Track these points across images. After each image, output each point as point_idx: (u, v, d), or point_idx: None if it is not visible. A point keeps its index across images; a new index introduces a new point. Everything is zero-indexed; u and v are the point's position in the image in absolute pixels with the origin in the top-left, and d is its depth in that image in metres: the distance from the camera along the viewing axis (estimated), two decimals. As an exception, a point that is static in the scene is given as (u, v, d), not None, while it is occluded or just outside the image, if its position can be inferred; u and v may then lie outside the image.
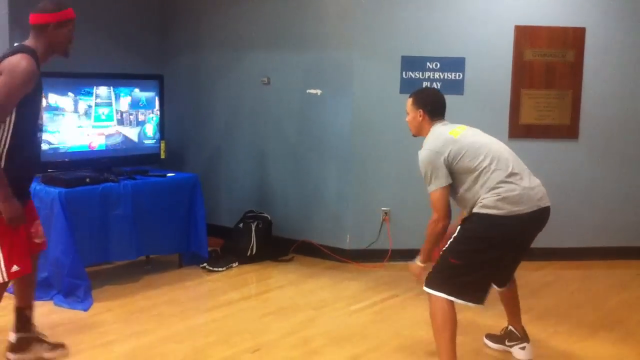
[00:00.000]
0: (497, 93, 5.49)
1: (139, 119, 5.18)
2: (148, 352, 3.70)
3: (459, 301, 3.22)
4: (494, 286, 3.54)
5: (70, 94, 4.71)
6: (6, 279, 3.15)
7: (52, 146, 4.61)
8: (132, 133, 5.15)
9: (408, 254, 5.05)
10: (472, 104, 5.44)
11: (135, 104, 5.14)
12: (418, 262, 3.46)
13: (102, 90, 4.91)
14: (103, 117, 4.92)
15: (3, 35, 4.90)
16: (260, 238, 5.52)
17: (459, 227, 3.35)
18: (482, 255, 3.23)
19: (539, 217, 3.33)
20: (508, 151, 3.41)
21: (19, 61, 2.97)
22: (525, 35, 5.45)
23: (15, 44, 3.11)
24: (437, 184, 3.28)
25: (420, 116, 3.47)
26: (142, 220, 4.83)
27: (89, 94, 4.84)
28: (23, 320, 3.47)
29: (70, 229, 4.34)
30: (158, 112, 5.29)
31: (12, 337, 3.45)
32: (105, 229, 4.64)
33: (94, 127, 4.88)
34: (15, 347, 3.44)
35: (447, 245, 3.33)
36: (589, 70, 5.55)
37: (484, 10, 5.44)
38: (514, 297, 3.70)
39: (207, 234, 5.30)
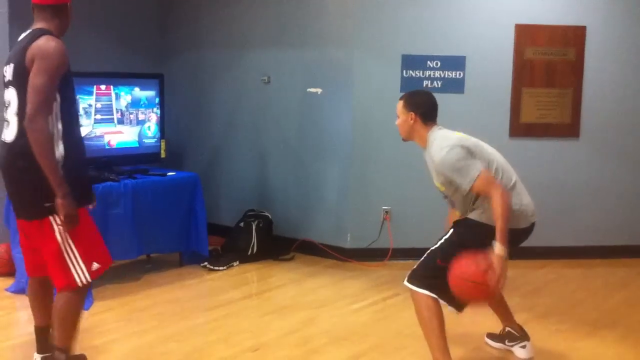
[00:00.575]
0: (498, 92, 5.49)
1: (139, 118, 5.18)
2: (148, 351, 3.70)
3: (441, 300, 3.20)
4: None
5: (70, 93, 4.70)
6: (89, 279, 3.00)
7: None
8: (133, 132, 5.14)
9: (409, 253, 5.08)
10: (473, 103, 5.43)
11: (135, 103, 5.14)
12: (498, 250, 3.03)
13: (102, 89, 4.91)
14: (103, 116, 4.92)
15: (3, 32, 4.90)
16: (261, 237, 5.52)
17: (451, 229, 3.31)
18: None
19: (527, 233, 3.34)
20: (507, 163, 3.37)
21: (48, 42, 2.82)
22: (526, 34, 5.44)
23: (29, 30, 2.92)
24: (478, 167, 3.13)
25: (411, 119, 3.34)
26: (142, 220, 4.83)
27: (89, 93, 4.84)
28: (44, 340, 3.24)
29: (70, 228, 4.33)
30: (158, 111, 5.29)
31: (37, 358, 3.25)
32: (106, 228, 4.61)
33: (94, 126, 4.88)
34: None
35: (435, 246, 3.29)
36: (590, 69, 5.54)
37: (484, 9, 5.43)
38: (500, 302, 3.66)
39: (207, 232, 5.30)
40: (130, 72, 5.51)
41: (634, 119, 5.66)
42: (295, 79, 5.69)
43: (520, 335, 3.69)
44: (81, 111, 4.77)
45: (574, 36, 5.49)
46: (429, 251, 3.30)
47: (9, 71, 2.93)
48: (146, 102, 5.21)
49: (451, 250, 3.20)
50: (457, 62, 5.43)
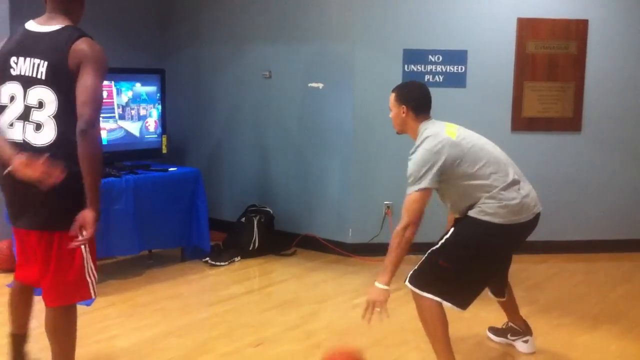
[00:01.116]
0: (500, 86, 5.48)
1: (141, 114, 5.17)
2: (151, 346, 3.70)
3: (445, 303, 3.13)
4: (492, 295, 3.52)
5: (71, 88, 4.70)
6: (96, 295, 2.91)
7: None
8: (134, 128, 5.14)
9: (411, 248, 5.06)
10: (475, 97, 5.42)
11: (136, 99, 5.13)
12: (380, 285, 3.08)
13: (104, 85, 4.90)
14: (104, 111, 4.92)
15: (4, 29, 4.89)
16: (263, 232, 5.52)
17: (452, 228, 3.24)
18: (475, 262, 3.14)
19: (532, 224, 3.25)
20: (504, 155, 3.30)
21: (95, 46, 2.68)
22: (527, 28, 5.42)
23: (62, 26, 2.71)
24: (423, 185, 3.07)
25: (404, 112, 3.28)
26: (144, 215, 4.83)
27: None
28: (21, 349, 3.09)
29: (72, 223, 4.33)
30: (159, 107, 5.29)
31: None
32: (108, 223, 4.62)
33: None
34: None
35: (437, 246, 3.21)
36: (592, 63, 5.53)
37: (486, 3, 5.41)
38: (510, 299, 3.64)
39: (209, 228, 5.29)
40: (132, 68, 5.50)
41: (636, 113, 5.64)
42: (296, 74, 5.68)
43: (523, 330, 3.68)
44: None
45: (576, 30, 5.47)
46: (429, 251, 3.23)
47: (27, 66, 2.69)
48: (147, 97, 5.21)
49: (454, 250, 3.17)
50: (458, 56, 5.42)
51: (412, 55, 5.40)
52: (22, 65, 2.71)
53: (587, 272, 5.25)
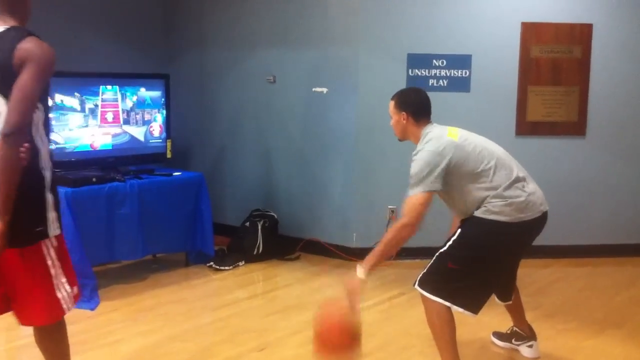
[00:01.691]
0: (504, 90, 5.47)
1: (145, 119, 5.19)
2: (154, 351, 3.71)
3: (454, 307, 3.13)
4: (498, 300, 3.51)
5: (76, 93, 4.72)
6: (73, 306, 2.72)
7: (58, 146, 4.62)
8: (138, 132, 5.15)
9: (415, 252, 5.06)
10: (479, 102, 5.42)
11: (141, 103, 5.15)
12: (359, 274, 3.08)
13: (108, 90, 4.92)
14: (109, 116, 4.94)
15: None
16: (267, 236, 5.52)
17: (458, 230, 3.24)
18: (483, 262, 3.15)
19: (540, 223, 3.25)
20: (507, 154, 3.31)
21: (42, 45, 2.48)
22: (531, 32, 5.42)
23: (7, 27, 2.52)
24: (425, 187, 3.09)
25: (404, 119, 3.30)
26: (148, 219, 4.84)
27: (95, 93, 4.85)
28: None
29: (76, 228, 4.34)
30: (164, 111, 5.30)
31: None
32: (112, 228, 4.65)
33: (99, 126, 4.89)
34: None
35: (445, 248, 3.22)
36: (596, 67, 5.52)
37: (490, 7, 5.42)
38: (517, 303, 3.64)
39: (213, 232, 5.30)
40: (136, 73, 5.52)
41: (640, 117, 5.64)
42: (300, 79, 5.69)
43: (527, 335, 3.67)
44: (87, 112, 4.79)
45: (580, 34, 5.47)
46: (437, 254, 3.23)
47: None
48: (151, 102, 5.22)
49: (461, 251, 3.16)
50: (463, 61, 5.42)
51: (416, 60, 5.40)
52: None
53: (591, 276, 5.24)
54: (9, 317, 2.69)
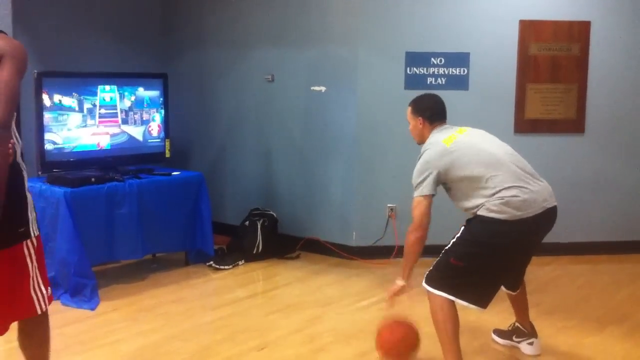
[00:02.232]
0: (503, 88, 5.47)
1: (144, 118, 5.18)
2: (155, 350, 3.70)
3: (459, 301, 3.20)
4: (504, 289, 3.52)
5: (74, 93, 4.71)
6: (46, 308, 2.70)
7: (57, 146, 4.62)
8: (137, 132, 5.15)
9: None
10: (477, 100, 5.42)
11: (139, 103, 5.14)
12: (398, 282, 3.37)
13: (107, 90, 4.92)
14: (107, 116, 4.93)
15: (6, 31, 4.90)
16: (266, 236, 5.52)
17: (462, 227, 3.32)
18: (485, 259, 3.20)
19: (544, 219, 3.28)
20: (511, 152, 3.36)
21: (13, 40, 2.46)
22: (530, 30, 5.42)
23: None
24: (421, 192, 3.29)
25: (420, 124, 3.48)
26: (147, 219, 4.83)
27: (94, 93, 4.84)
28: None
29: (76, 228, 4.34)
30: (162, 111, 5.30)
31: None
32: (111, 228, 4.64)
33: (98, 126, 4.89)
34: None
35: (449, 245, 3.30)
36: (595, 64, 5.52)
37: (488, 5, 5.41)
38: (522, 297, 3.67)
39: (213, 231, 5.30)
40: (134, 72, 5.52)
41: (639, 115, 5.63)
42: (299, 78, 5.68)
43: (528, 332, 3.68)
44: (85, 111, 4.78)
45: (579, 31, 5.47)
46: (443, 251, 3.31)
47: None
48: (150, 102, 5.22)
49: (463, 248, 3.23)
50: (461, 59, 5.42)
51: (415, 58, 5.40)
52: None
53: (591, 274, 5.24)
54: (8, 318, 2.68)
